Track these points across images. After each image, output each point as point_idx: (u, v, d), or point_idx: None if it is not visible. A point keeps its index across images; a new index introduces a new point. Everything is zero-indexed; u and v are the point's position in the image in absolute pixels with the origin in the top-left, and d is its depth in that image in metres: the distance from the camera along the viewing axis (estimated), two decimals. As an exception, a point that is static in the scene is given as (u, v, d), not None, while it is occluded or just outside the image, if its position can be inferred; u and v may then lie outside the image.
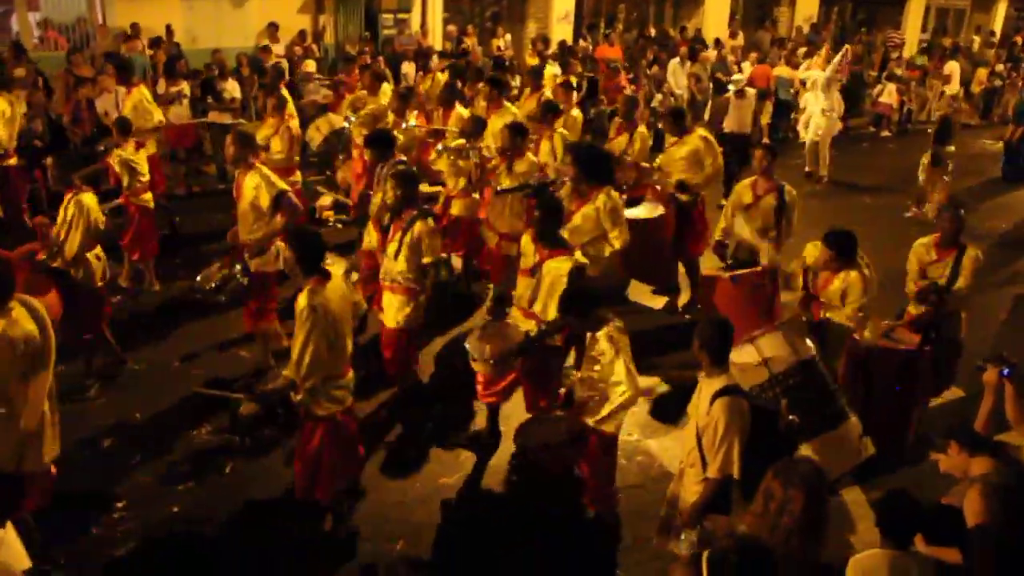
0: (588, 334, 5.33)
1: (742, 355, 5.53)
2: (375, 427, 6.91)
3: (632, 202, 8.93)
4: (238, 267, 7.06)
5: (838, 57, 14.85)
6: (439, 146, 9.16)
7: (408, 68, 16.39)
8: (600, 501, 5.74)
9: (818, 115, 14.53)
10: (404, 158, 8.65)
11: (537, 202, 6.57)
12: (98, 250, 7.24)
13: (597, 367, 5.25)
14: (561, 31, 20.71)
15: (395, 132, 9.64)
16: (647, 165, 9.41)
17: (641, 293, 9.37)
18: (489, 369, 5.92)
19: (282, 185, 7.31)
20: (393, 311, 6.67)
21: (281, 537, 5.74)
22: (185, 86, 13.48)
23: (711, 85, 16.85)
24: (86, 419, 6.91)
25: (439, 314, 8.03)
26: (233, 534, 5.79)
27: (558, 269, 5.94)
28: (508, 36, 20.24)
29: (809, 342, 5.84)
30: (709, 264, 8.79)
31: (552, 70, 15.23)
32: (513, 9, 22.39)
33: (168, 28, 16.45)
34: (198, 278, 6.99)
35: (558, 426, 5.45)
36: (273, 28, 17.12)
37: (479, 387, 6.43)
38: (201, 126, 13.56)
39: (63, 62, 14.31)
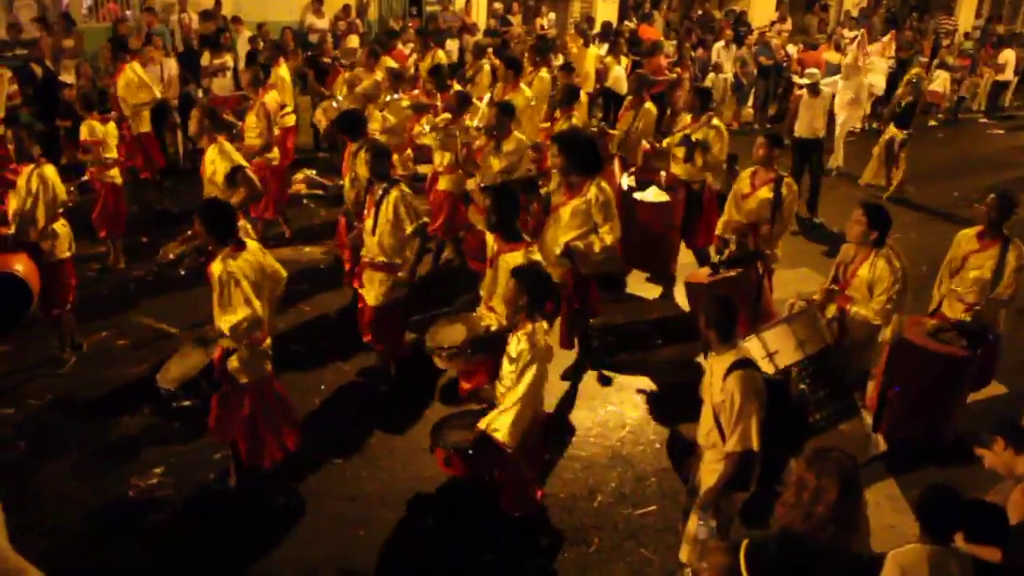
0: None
1: (746, 349, 5.34)
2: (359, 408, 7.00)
3: (642, 185, 8.87)
4: (195, 243, 7.13)
5: (855, 43, 14.48)
6: (425, 124, 9.15)
7: (452, 45, 16.33)
8: (516, 505, 5.52)
9: (838, 105, 14.07)
10: (382, 137, 8.68)
11: (492, 193, 6.15)
12: (63, 220, 7.26)
13: (512, 367, 5.03)
14: (606, 11, 20.54)
15: (384, 111, 9.73)
16: (652, 144, 9.24)
17: (636, 283, 9.28)
18: (445, 364, 5.85)
19: (239, 160, 7.29)
20: (374, 288, 6.66)
21: (311, 504, 5.83)
22: (228, 59, 13.55)
23: (756, 70, 16.72)
24: (128, 385, 7.09)
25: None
26: (265, 502, 5.86)
27: (512, 262, 5.68)
28: (552, 15, 20.09)
29: (818, 335, 5.51)
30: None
31: (596, 51, 15.12)
32: (559, -12, 22.23)
33: (217, 1, 16.51)
34: (159, 253, 7.04)
35: (470, 428, 5.22)
36: (318, 3, 17.13)
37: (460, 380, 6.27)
38: (243, 99, 13.61)
39: (111, 33, 14.42)
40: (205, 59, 13.72)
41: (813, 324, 5.49)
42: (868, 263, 5.87)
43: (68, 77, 12.27)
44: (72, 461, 6.19)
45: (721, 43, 16.69)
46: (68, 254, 7.29)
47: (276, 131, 9.64)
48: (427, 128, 9.01)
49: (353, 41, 16.14)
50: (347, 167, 7.93)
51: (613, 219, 6.74)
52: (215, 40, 14.05)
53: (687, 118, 9.07)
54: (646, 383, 7.44)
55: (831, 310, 6.09)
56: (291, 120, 11.42)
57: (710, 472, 4.65)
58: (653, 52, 15.34)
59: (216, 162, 7.22)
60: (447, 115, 8.98)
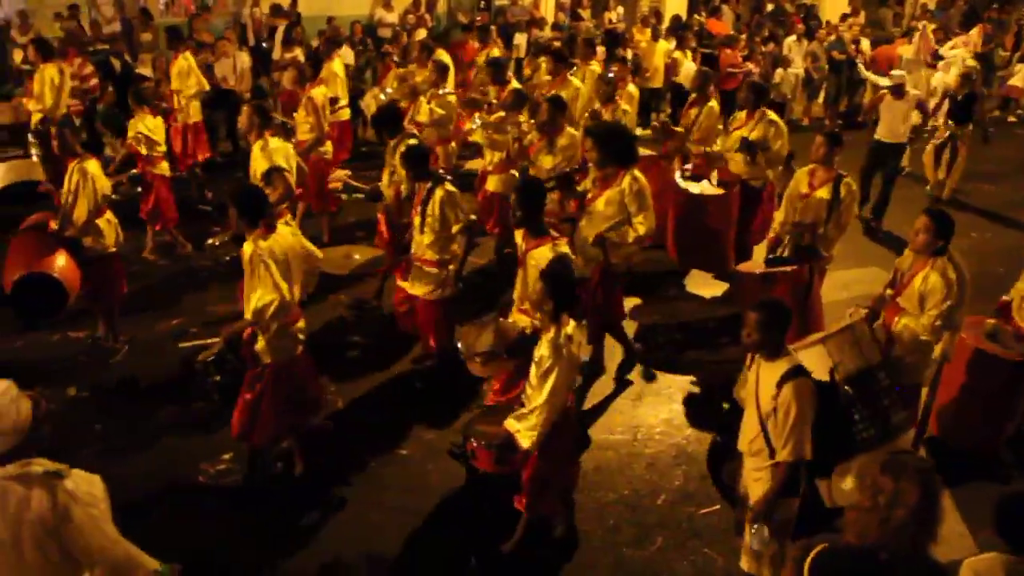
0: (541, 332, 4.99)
1: (809, 358, 5.09)
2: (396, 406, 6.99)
3: (695, 179, 8.76)
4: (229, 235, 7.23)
5: (916, 36, 14.02)
6: (477, 119, 9.06)
7: (520, 39, 16.38)
8: (531, 507, 5.30)
9: None
10: (415, 132, 8.61)
11: (517, 188, 6.07)
12: (109, 214, 7.32)
13: (537, 371, 4.87)
14: (675, 5, 20.39)
15: (432, 104, 9.72)
16: (706, 152, 9.06)
17: (699, 283, 8.97)
18: (478, 368, 5.69)
19: (278, 161, 7.34)
20: (423, 285, 6.69)
21: (375, 495, 5.91)
22: (299, 53, 13.76)
23: (827, 64, 16.44)
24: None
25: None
26: (329, 491, 5.95)
27: (540, 258, 5.59)
28: (620, 9, 20.00)
29: (857, 354, 5.32)
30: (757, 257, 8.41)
31: (665, 46, 15.02)
32: (628, -19, 22.12)
33: (287, -5, 16.77)
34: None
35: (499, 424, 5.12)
36: (389, -4, 17.31)
37: (493, 391, 6.12)
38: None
39: (187, 29, 14.74)
40: (276, 53, 13.95)
41: (852, 342, 5.32)
42: (923, 274, 5.57)
43: (145, 70, 12.59)
44: (144, 444, 6.32)
45: (792, 37, 16.44)
46: (114, 248, 7.39)
47: (326, 126, 9.64)
48: (478, 123, 8.95)
49: (422, 35, 16.28)
50: (387, 162, 7.94)
51: (647, 209, 6.67)
52: (286, 34, 14.27)
53: (742, 115, 8.91)
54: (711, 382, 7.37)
55: (882, 319, 5.87)
56: (346, 114, 11.48)
57: (756, 480, 4.60)
58: (727, 45, 15.14)
59: (257, 159, 7.34)
60: (501, 112, 8.90)
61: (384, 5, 17.33)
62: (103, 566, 3.39)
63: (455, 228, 6.53)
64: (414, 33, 16.39)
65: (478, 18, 16.85)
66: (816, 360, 5.09)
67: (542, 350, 4.82)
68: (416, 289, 6.76)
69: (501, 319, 5.97)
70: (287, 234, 5.53)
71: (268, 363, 5.53)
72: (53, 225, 7.10)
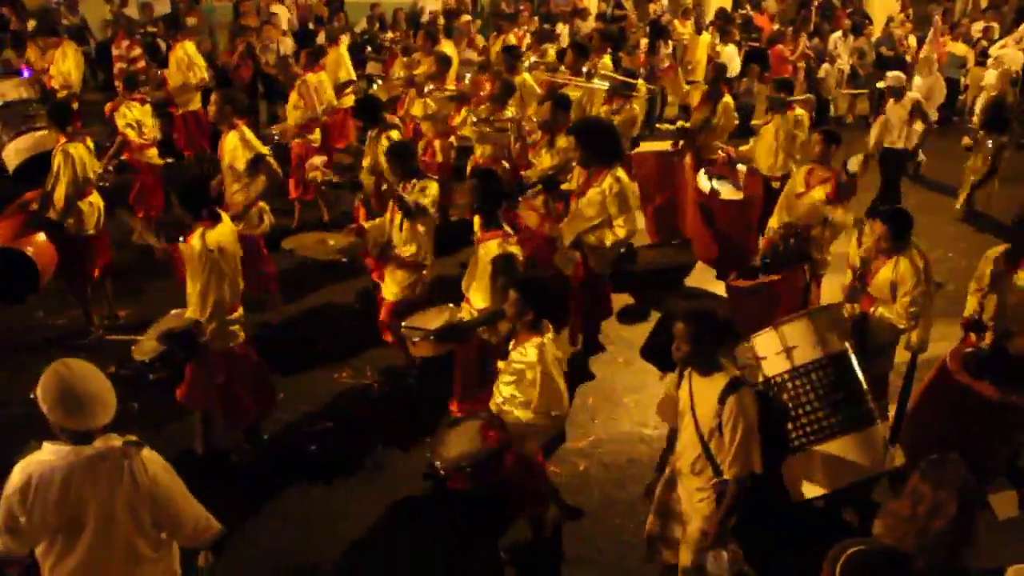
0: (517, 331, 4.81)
1: (764, 343, 5.12)
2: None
3: (720, 178, 8.59)
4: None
5: (931, 33, 13.65)
6: (472, 117, 8.86)
7: (562, 29, 16.32)
8: (523, 508, 5.27)
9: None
10: (397, 122, 8.49)
11: (476, 176, 5.99)
12: (93, 197, 7.30)
13: (511, 377, 4.75)
14: (720, -3, 20.20)
15: (428, 98, 9.50)
16: (727, 153, 8.76)
17: (703, 279, 8.95)
18: (414, 349, 5.75)
19: (260, 148, 7.26)
20: (395, 284, 6.49)
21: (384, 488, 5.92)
22: (344, 38, 13.79)
23: (874, 61, 16.24)
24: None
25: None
26: (361, 476, 6.03)
27: (486, 252, 5.54)
28: (664, 1, 19.87)
29: (841, 333, 5.17)
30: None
31: (708, 38, 14.91)
32: (672, -28, 21.94)
33: (331, -20, 16.85)
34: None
35: (475, 440, 4.87)
36: (432, -17, 17.31)
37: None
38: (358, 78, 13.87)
39: (233, 13, 14.88)
40: (320, 39, 14.00)
41: (837, 320, 5.22)
42: (891, 263, 5.59)
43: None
44: (177, 426, 6.30)
45: (838, 33, 16.23)
46: (93, 231, 7.32)
47: (321, 113, 9.58)
48: (469, 119, 8.77)
49: (464, 21, 16.26)
50: (366, 152, 7.83)
51: (629, 211, 6.46)
52: (330, 20, 14.34)
53: (768, 113, 8.76)
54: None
55: (853, 310, 5.85)
56: (351, 100, 11.17)
57: (700, 502, 4.38)
58: (777, 41, 14.99)
59: (237, 149, 7.17)
60: (485, 105, 8.70)
61: (428, -8, 17.35)
62: (186, 526, 3.58)
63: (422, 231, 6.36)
64: (456, 20, 16.40)
65: (521, 7, 16.81)
66: (802, 333, 5.02)
67: (527, 357, 4.66)
68: (386, 287, 6.60)
69: (451, 306, 5.97)
70: (229, 224, 5.60)
71: (217, 351, 5.55)
72: (34, 205, 7.09)
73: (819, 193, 6.88)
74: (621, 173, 6.49)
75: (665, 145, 9.50)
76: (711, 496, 4.31)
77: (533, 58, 11.01)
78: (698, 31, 15.14)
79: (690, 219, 8.76)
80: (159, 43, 12.40)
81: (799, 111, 8.63)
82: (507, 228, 5.75)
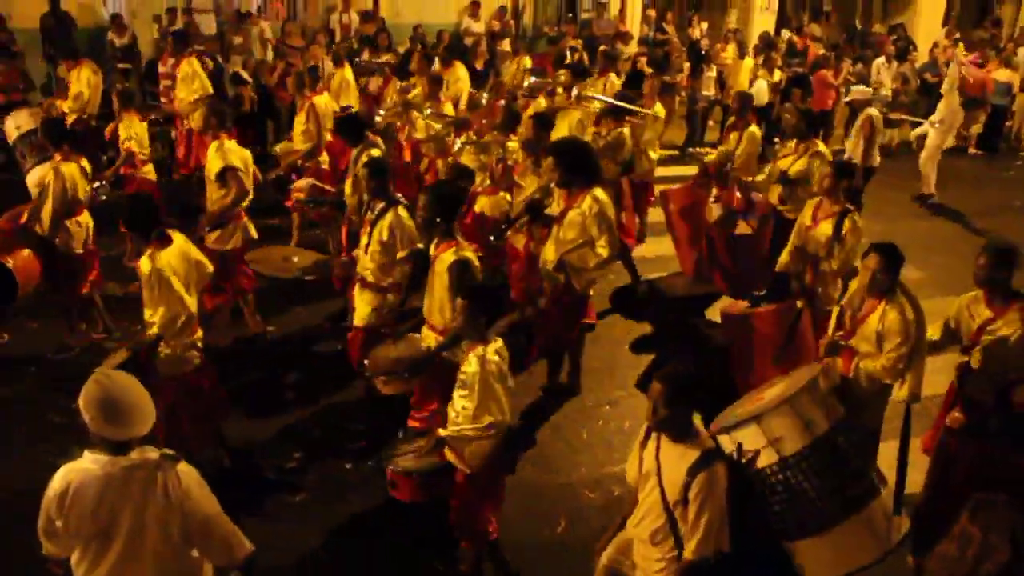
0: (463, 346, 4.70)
1: (748, 438, 4.58)
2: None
3: (729, 215, 8.28)
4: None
5: (951, 59, 13.34)
6: (462, 139, 8.68)
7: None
8: (465, 537, 5.07)
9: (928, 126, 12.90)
10: (379, 141, 8.28)
11: (428, 190, 5.81)
12: (83, 216, 7.26)
13: (464, 392, 4.61)
14: (763, 22, 20.16)
15: (428, 119, 9.41)
16: (747, 179, 8.48)
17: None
18: (383, 387, 5.52)
19: (233, 160, 7.16)
20: (362, 308, 6.32)
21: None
22: (387, 59, 13.94)
23: (917, 87, 16.09)
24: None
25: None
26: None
27: (442, 264, 5.36)
28: (704, 24, 19.86)
29: (828, 408, 4.65)
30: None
31: (751, 63, 14.86)
32: (714, -2, 22.00)
33: (375, 2, 17.04)
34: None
35: (423, 453, 4.84)
36: (475, 6, 17.46)
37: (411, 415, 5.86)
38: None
39: (278, 32, 15.10)
40: (365, 57, 14.15)
41: (819, 397, 4.67)
42: (879, 311, 5.15)
43: (237, 70, 12.90)
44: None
45: (881, 59, 16.09)
46: (80, 250, 7.27)
47: (327, 135, 9.38)
48: (459, 144, 8.60)
49: (507, 45, 16.37)
50: (350, 171, 7.63)
51: (609, 232, 6.31)
52: (374, 40, 14.47)
53: (791, 143, 8.40)
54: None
55: (836, 367, 5.35)
56: None
57: (658, 572, 4.08)
58: (822, 66, 14.89)
59: (213, 159, 7.18)
60: (493, 133, 8.53)
61: (471, 14, 17.48)
62: (217, 541, 3.57)
63: (399, 254, 6.14)
64: (499, 43, 16.49)
65: (565, 31, 16.89)
66: (787, 422, 4.50)
67: (471, 367, 4.55)
68: (356, 315, 6.41)
69: (413, 335, 5.79)
70: (182, 242, 5.47)
71: (171, 375, 5.42)
72: (23, 219, 7.12)
73: (827, 227, 6.60)
74: (600, 193, 6.35)
75: (691, 171, 9.39)
76: (672, 569, 4.01)
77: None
78: (741, 56, 15.09)
79: (707, 251, 8.50)
80: (206, 61, 12.56)
81: (820, 146, 8.27)
82: (461, 239, 5.59)
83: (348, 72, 11.59)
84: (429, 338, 5.63)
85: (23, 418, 6.54)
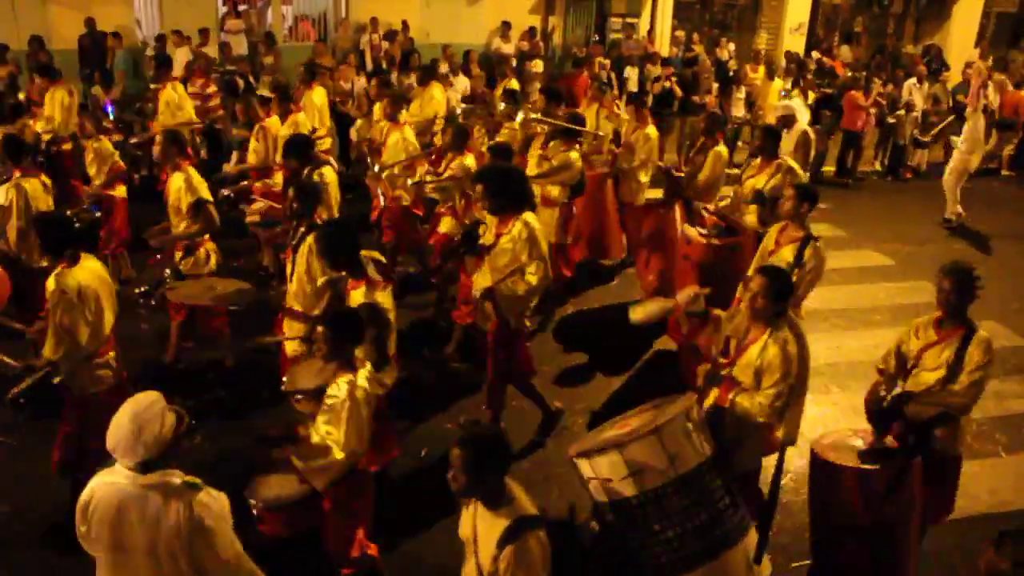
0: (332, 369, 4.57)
1: (607, 465, 4.28)
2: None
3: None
4: (167, 270, 7.26)
5: (975, 81, 13.01)
6: (414, 178, 8.53)
7: (631, 72, 16.37)
8: (344, 565, 4.84)
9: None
10: (332, 161, 8.22)
11: (323, 227, 5.74)
12: None
13: (324, 417, 4.46)
14: (793, 43, 20.11)
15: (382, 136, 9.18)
16: (717, 206, 8.30)
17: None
18: (300, 406, 5.30)
19: (204, 193, 7.12)
20: (292, 332, 6.05)
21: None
22: (415, 79, 14.03)
23: (949, 106, 15.95)
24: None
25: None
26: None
27: (352, 302, 5.29)
28: (732, 45, 19.83)
29: (698, 444, 4.34)
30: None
31: (780, 84, 14.82)
32: (744, 18, 21.95)
33: (404, 23, 17.18)
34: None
35: (292, 481, 4.56)
36: (506, 27, 17.54)
37: None
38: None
39: (308, 53, 15.27)
40: (393, 78, 14.26)
41: (689, 431, 4.33)
42: (760, 344, 4.73)
43: (264, 90, 13.04)
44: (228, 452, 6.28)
45: (912, 80, 15.98)
46: (44, 263, 6.88)
47: (278, 157, 9.00)
48: (413, 184, 8.48)
49: (537, 65, 16.41)
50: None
51: (540, 259, 6.06)
52: (405, 61, 14.58)
53: (756, 161, 8.14)
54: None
55: (711, 398, 4.97)
56: (326, 144, 10.95)
57: None
58: (852, 87, 14.81)
59: (181, 191, 7.05)
60: (451, 170, 8.26)
61: (501, 35, 17.57)
62: None
63: (320, 281, 5.92)
64: (530, 64, 16.54)
65: (592, 51, 16.92)
66: (650, 453, 4.19)
67: (338, 392, 4.42)
68: (288, 346, 6.13)
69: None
70: (93, 264, 5.38)
71: (79, 395, 5.36)
72: None
73: (788, 253, 6.28)
74: (531, 218, 6.13)
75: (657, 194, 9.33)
76: None
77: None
78: (770, 76, 15.05)
79: (678, 272, 8.14)
80: (237, 81, 12.73)
81: (790, 161, 8.13)
82: (373, 276, 5.45)
83: (318, 94, 11.35)
84: None
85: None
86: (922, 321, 5.14)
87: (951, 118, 14.55)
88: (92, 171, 8.77)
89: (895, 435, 4.91)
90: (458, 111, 10.76)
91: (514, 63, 15.65)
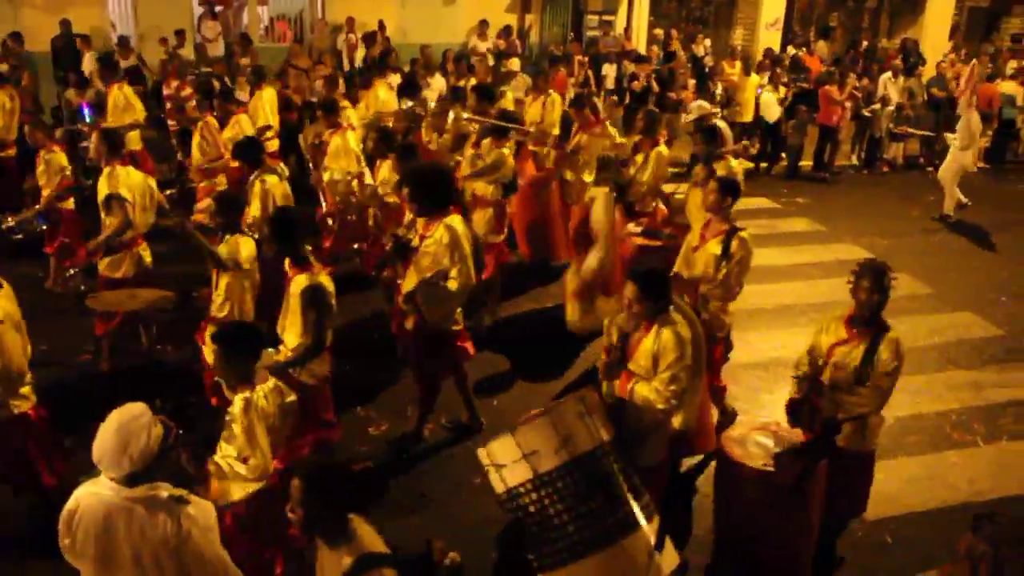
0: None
1: (501, 450, 4.24)
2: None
3: (648, 236, 7.70)
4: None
5: (965, 73, 12.95)
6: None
7: (609, 70, 16.41)
8: None
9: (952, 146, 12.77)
10: (281, 167, 8.18)
11: (269, 220, 5.66)
12: None
13: (226, 432, 4.31)
14: (769, 38, 20.19)
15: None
16: (665, 200, 8.16)
17: None
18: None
19: (117, 188, 6.92)
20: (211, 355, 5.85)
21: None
22: (394, 79, 13.99)
23: (924, 100, 16.08)
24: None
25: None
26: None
27: (296, 287, 5.26)
28: (708, 41, 19.90)
29: (593, 429, 4.27)
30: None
31: (757, 80, 14.89)
32: (720, 14, 22.04)
33: (381, 23, 17.15)
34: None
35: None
36: (483, 25, 17.53)
37: None
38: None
39: (284, 53, 15.23)
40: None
41: (583, 414, 4.28)
42: (652, 332, 4.63)
43: (242, 92, 12.98)
44: None
45: (887, 74, 16.06)
46: None
47: (227, 154, 9.01)
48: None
49: (514, 64, 16.38)
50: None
51: (462, 262, 5.97)
52: (383, 61, 14.53)
53: (698, 169, 7.97)
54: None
55: (612, 389, 4.86)
56: (272, 145, 10.75)
57: None
58: (827, 82, 14.87)
59: (101, 187, 6.96)
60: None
61: (479, 34, 17.56)
62: None
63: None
64: (507, 62, 16.53)
65: (570, 48, 16.94)
66: (543, 435, 4.16)
67: (234, 409, 4.27)
68: (206, 351, 5.94)
69: (271, 350, 5.41)
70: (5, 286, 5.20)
71: (7, 416, 5.18)
72: None
73: (715, 246, 6.18)
74: (455, 221, 6.02)
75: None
76: None
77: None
78: (747, 72, 15.11)
79: (620, 273, 7.83)
80: (213, 83, 12.67)
81: (733, 162, 8.06)
82: (316, 263, 5.47)
83: (268, 94, 11.29)
84: (283, 355, 5.46)
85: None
86: (832, 318, 5.14)
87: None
88: (42, 182, 8.45)
89: (807, 432, 4.95)
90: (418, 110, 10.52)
91: (488, 61, 15.47)
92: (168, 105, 11.98)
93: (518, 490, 4.18)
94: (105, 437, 3.35)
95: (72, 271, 7.88)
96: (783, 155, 15.12)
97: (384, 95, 11.39)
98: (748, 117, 14.82)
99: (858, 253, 10.75)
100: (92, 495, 3.39)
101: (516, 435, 4.17)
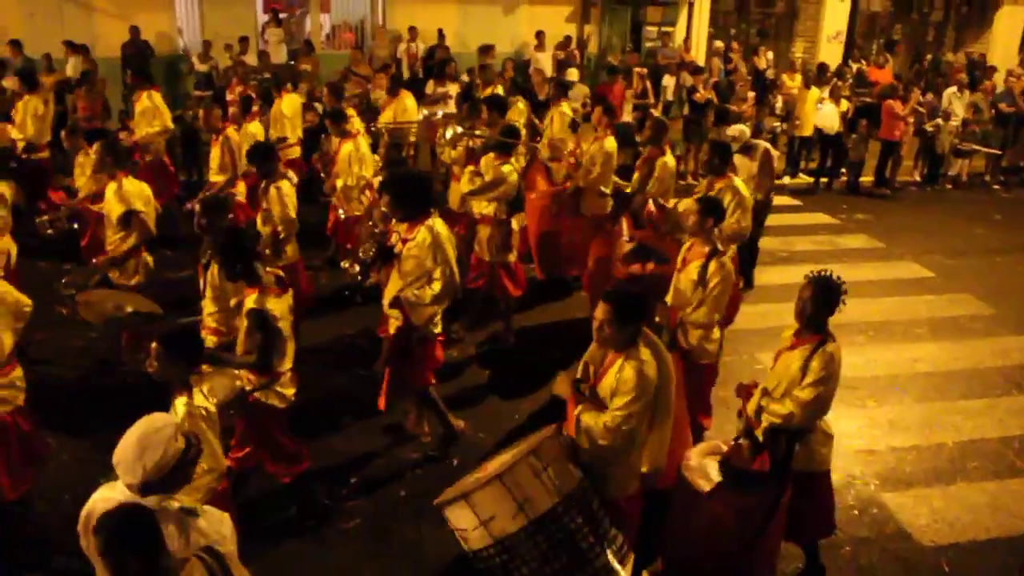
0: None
1: (457, 517, 4.16)
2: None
3: (640, 251, 7.42)
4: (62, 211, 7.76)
5: None
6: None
7: (668, 81, 16.33)
8: None
9: None
10: (291, 174, 8.13)
11: (221, 237, 5.60)
12: (2, 242, 7.03)
13: None
14: (830, 51, 19.96)
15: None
16: (659, 206, 7.92)
17: None
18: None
19: (135, 203, 7.00)
20: None
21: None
22: (452, 88, 14.08)
23: (991, 116, 15.75)
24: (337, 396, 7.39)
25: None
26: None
27: (247, 305, 5.29)
28: (770, 54, 19.72)
29: (550, 483, 4.09)
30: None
31: (817, 93, 14.71)
32: (781, 27, 21.83)
33: (440, 32, 17.29)
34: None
35: None
36: (541, 35, 17.56)
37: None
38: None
39: (345, 61, 15.43)
40: (429, 87, 14.35)
41: (540, 467, 4.10)
42: (616, 366, 4.40)
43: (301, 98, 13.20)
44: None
45: (952, 88, 15.75)
46: (2, 272, 6.62)
47: (243, 166, 9.08)
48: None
49: (572, 75, 16.38)
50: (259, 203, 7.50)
51: (444, 264, 6.01)
52: (440, 69, 14.65)
53: (704, 181, 7.89)
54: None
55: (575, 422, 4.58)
56: (293, 153, 11.07)
57: None
58: (889, 96, 14.65)
59: (111, 202, 7.00)
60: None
61: (537, 45, 17.59)
62: None
63: (232, 301, 5.90)
64: (564, 73, 16.55)
65: (628, 59, 16.91)
66: (497, 500, 4.02)
67: (177, 415, 4.20)
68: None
69: (232, 372, 5.34)
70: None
71: None
72: None
73: (693, 271, 6.04)
74: (436, 224, 6.09)
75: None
76: None
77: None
78: (806, 85, 14.94)
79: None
80: (272, 89, 12.88)
81: (738, 182, 7.73)
82: (268, 282, 5.39)
83: (287, 103, 11.40)
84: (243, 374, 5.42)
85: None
86: (792, 329, 5.04)
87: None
88: (80, 183, 8.67)
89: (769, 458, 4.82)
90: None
91: (498, 69, 15.14)
92: (231, 110, 12.16)
93: (481, 554, 4.12)
94: (127, 443, 3.37)
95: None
96: (844, 170, 14.93)
97: (410, 104, 11.46)
98: (807, 131, 14.66)
99: (918, 271, 10.61)
100: (107, 500, 3.40)
101: (471, 501, 4.07)
